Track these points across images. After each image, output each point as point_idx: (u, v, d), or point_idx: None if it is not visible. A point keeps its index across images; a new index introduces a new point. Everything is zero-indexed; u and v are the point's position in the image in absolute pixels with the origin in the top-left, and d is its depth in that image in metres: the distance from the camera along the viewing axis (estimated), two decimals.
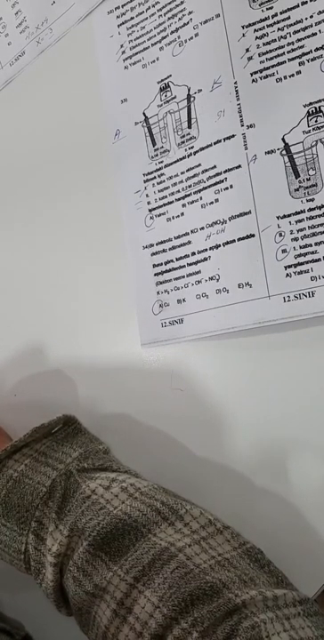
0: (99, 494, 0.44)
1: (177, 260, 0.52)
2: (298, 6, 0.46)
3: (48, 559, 0.44)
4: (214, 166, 0.49)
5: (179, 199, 0.52)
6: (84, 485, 0.45)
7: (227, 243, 0.49)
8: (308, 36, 0.46)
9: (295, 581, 0.43)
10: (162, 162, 0.53)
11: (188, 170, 0.51)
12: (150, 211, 0.54)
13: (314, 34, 0.46)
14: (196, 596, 0.37)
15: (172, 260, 0.52)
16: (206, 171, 0.50)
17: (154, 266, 0.53)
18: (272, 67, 0.47)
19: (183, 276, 0.52)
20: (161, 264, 0.53)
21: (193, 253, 0.51)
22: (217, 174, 0.49)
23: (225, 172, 0.49)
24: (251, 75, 0.48)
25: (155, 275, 0.53)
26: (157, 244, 0.53)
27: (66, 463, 0.48)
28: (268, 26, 0.47)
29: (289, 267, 0.46)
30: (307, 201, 0.45)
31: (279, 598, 0.37)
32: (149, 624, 0.37)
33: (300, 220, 0.45)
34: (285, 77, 0.47)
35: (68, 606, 0.45)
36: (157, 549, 0.40)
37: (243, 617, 0.35)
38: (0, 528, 0.47)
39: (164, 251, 0.53)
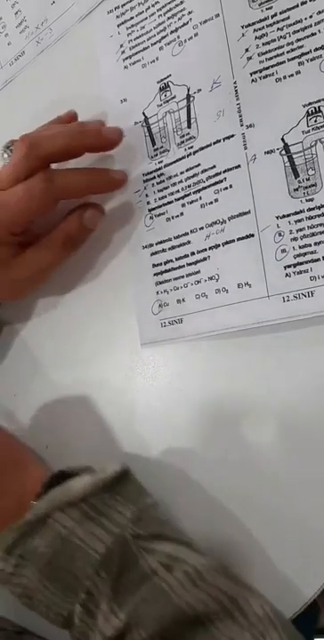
0: (161, 576, 0.41)
1: (177, 259, 0.52)
2: (298, 6, 0.46)
3: (97, 639, 0.41)
4: (214, 166, 0.49)
5: (178, 199, 0.52)
6: (142, 561, 0.42)
7: (226, 243, 0.48)
8: (307, 36, 0.46)
9: (296, 581, 0.44)
10: (162, 162, 0.53)
11: (187, 170, 0.51)
12: (150, 210, 0.54)
13: (314, 34, 0.46)
14: None
15: (171, 260, 0.52)
16: (206, 170, 0.50)
17: (153, 266, 0.53)
18: (272, 67, 0.47)
19: (183, 276, 0.51)
20: (160, 264, 0.53)
21: (193, 253, 0.51)
22: (216, 174, 0.49)
23: (225, 171, 0.49)
24: (250, 75, 0.48)
25: (154, 275, 0.53)
26: (156, 244, 0.53)
27: (121, 526, 0.43)
28: (267, 26, 0.47)
29: (289, 267, 0.46)
30: (306, 201, 0.45)
31: None
32: None
33: (299, 220, 0.45)
34: (284, 77, 0.46)
35: None
36: None
37: None
38: (41, 588, 0.43)
39: (163, 250, 0.53)
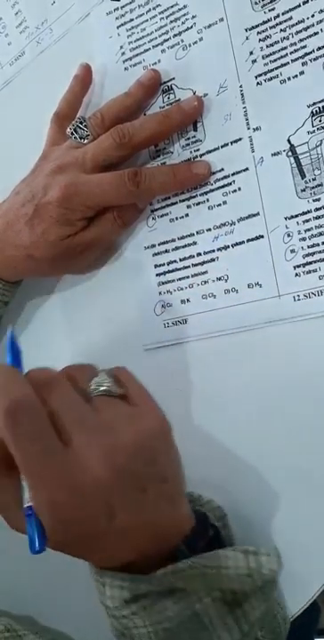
0: None
1: (181, 260, 0.52)
2: (299, 6, 0.46)
3: None
4: (222, 169, 0.50)
5: (183, 200, 0.52)
6: None
7: (236, 244, 0.49)
8: (310, 36, 0.46)
9: (296, 581, 0.44)
10: (164, 163, 0.53)
11: None
12: (152, 211, 0.54)
13: (316, 33, 0.46)
14: None
15: (175, 261, 0.53)
16: (214, 173, 0.50)
17: (156, 266, 0.54)
18: (276, 68, 0.47)
19: (188, 277, 0.52)
20: (163, 264, 0.53)
21: (199, 254, 0.51)
22: (225, 177, 0.50)
23: (233, 174, 0.49)
24: (256, 77, 0.48)
25: (157, 275, 0.54)
26: (159, 245, 0.53)
27: (252, 626, 0.38)
28: (271, 27, 0.47)
29: (298, 266, 0.46)
30: (313, 201, 0.46)
31: None
32: None
33: (307, 220, 0.46)
34: (288, 79, 0.47)
35: None
36: None
37: None
38: None
39: (166, 251, 0.53)
